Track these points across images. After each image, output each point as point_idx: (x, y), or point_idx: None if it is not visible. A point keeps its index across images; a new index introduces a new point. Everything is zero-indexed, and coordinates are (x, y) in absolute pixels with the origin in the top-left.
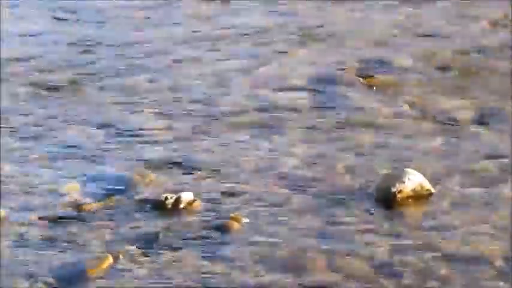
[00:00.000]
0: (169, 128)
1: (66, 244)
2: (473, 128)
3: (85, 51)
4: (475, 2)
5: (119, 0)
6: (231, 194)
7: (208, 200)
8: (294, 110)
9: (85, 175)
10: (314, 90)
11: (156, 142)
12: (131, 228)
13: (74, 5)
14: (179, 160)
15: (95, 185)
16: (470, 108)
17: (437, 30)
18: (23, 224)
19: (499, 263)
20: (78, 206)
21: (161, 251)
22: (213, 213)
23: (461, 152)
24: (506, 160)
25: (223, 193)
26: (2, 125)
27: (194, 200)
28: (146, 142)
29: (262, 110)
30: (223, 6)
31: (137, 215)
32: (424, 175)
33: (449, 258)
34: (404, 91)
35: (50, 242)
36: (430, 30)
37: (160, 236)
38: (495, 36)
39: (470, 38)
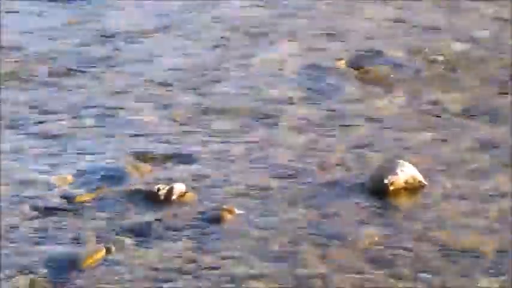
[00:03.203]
0: (161, 119)
1: (58, 235)
2: (466, 120)
3: (77, 41)
4: None
5: None
6: (224, 185)
7: (201, 191)
8: (287, 101)
9: (77, 166)
10: (307, 81)
11: (148, 133)
12: (124, 219)
13: None
14: (172, 151)
15: (88, 176)
16: (462, 101)
17: (431, 22)
18: (15, 216)
19: (490, 254)
20: (70, 197)
21: (153, 243)
22: (206, 205)
23: (453, 144)
24: (498, 152)
25: (216, 184)
26: None
27: (187, 191)
28: (139, 133)
29: (255, 101)
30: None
31: (130, 206)
32: (417, 167)
33: (441, 249)
34: (397, 83)
35: (42, 233)
36: (424, 22)
37: (153, 227)
38: (488, 29)
39: (464, 30)
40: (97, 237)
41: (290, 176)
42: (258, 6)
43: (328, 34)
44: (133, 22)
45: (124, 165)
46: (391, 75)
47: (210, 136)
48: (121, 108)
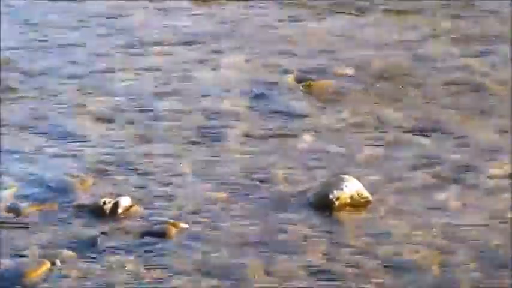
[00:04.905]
0: (108, 133)
1: (2, 249)
2: (411, 137)
3: (24, 52)
4: (414, 12)
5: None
6: (170, 199)
7: (147, 205)
8: (234, 116)
9: (23, 179)
10: (254, 96)
11: (94, 146)
12: (69, 233)
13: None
14: (118, 165)
15: (33, 189)
16: (408, 117)
17: (377, 39)
18: None
19: (434, 270)
20: (15, 210)
21: (99, 257)
22: (152, 219)
23: (399, 160)
24: (442, 168)
25: (162, 198)
26: None
27: (132, 205)
28: (85, 146)
29: (202, 115)
30: (161, 11)
31: (75, 220)
32: (362, 183)
33: (385, 265)
34: (344, 99)
35: None
36: (371, 38)
37: (98, 241)
38: (435, 46)
39: (410, 47)
40: (41, 251)
41: (236, 191)
42: (203, 19)
43: (275, 49)
44: None
45: (70, 178)
46: (338, 91)
47: (156, 150)
48: (66, 121)
